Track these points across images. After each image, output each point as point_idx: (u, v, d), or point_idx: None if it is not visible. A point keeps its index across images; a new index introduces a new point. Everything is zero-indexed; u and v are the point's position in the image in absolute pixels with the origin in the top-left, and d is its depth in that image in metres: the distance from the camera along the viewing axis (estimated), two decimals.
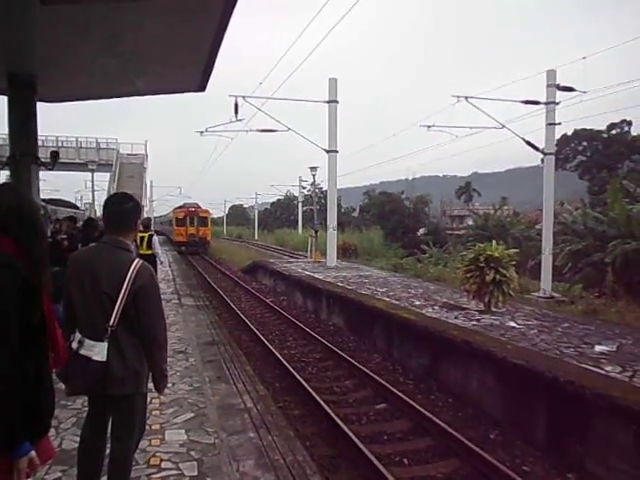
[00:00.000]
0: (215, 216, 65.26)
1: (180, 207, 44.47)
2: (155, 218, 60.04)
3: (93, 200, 38.63)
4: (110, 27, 5.65)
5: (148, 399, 5.85)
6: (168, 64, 7.18)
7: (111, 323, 3.07)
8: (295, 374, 9.00)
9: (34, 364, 2.12)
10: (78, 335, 3.13)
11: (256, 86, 19.62)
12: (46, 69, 7.22)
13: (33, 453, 2.02)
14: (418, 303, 12.10)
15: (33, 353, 2.12)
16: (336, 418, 6.93)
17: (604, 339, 8.47)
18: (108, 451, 3.43)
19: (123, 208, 3.31)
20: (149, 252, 12.91)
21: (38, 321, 2.14)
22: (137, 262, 3.17)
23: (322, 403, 7.49)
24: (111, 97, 9.93)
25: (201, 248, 39.08)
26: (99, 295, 3.12)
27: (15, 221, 2.16)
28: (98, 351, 3.07)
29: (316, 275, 18.31)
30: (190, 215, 39.82)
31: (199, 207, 42.44)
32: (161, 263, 14.56)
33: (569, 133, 49.15)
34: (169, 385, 6.41)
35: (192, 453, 4.57)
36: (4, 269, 2.03)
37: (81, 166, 41.82)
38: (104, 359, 3.06)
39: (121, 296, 3.07)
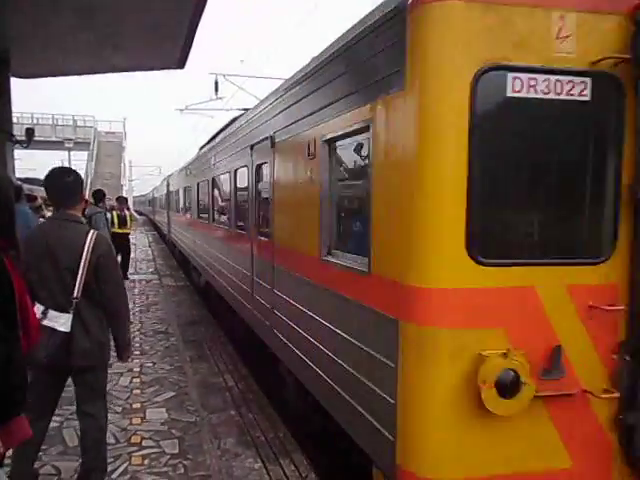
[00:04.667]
0: None
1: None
2: (135, 198, 59.24)
3: None
4: (84, 0, 5.50)
5: (128, 379, 5.91)
6: (145, 39, 7.01)
7: (75, 295, 3.12)
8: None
9: (2, 343, 2.08)
10: (40, 307, 3.13)
11: (237, 64, 19.32)
12: (20, 44, 7.01)
13: None
14: None
15: (1, 332, 2.07)
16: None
17: None
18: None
19: (64, 182, 3.34)
20: (124, 231, 12.81)
21: (5, 298, 2.09)
22: (92, 233, 3.23)
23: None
24: (87, 73, 9.70)
25: None
26: (59, 271, 3.15)
27: None
28: (63, 322, 3.09)
29: None
30: None
31: None
32: None
33: None
34: (149, 364, 6.43)
35: (173, 431, 4.60)
36: None
37: (57, 144, 40.98)
38: (68, 330, 3.09)
39: (82, 267, 3.12)
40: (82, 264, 3.11)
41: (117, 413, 4.94)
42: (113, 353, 3.49)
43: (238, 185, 7.00)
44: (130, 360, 6.48)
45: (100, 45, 7.15)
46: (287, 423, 4.95)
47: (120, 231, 12.51)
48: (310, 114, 3.94)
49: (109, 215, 12.06)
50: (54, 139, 42.06)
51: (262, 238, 5.54)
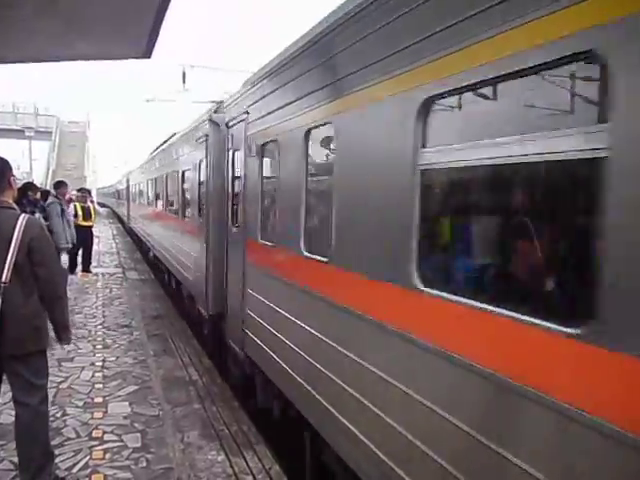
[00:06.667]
0: None
1: None
2: (98, 190, 57.91)
3: (31, 170, 36.84)
4: None
5: (90, 373, 5.81)
6: (111, 27, 6.86)
7: (3, 279, 3.06)
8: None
9: None
10: None
11: (206, 55, 19.10)
12: None
13: None
14: None
15: None
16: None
17: None
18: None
19: None
20: (88, 223, 12.53)
21: None
22: (24, 217, 3.19)
23: None
24: (51, 60, 9.43)
25: None
26: None
27: None
28: None
29: None
30: None
31: None
32: None
33: None
34: (112, 358, 6.34)
35: (136, 425, 4.55)
36: None
37: (18, 133, 39.68)
38: None
39: (10, 252, 3.07)
40: (11, 248, 3.08)
41: (78, 407, 4.86)
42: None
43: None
44: (92, 354, 6.46)
45: (64, 32, 6.97)
46: (251, 416, 4.96)
47: (84, 224, 12.20)
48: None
49: (72, 206, 11.78)
50: (14, 127, 40.72)
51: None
